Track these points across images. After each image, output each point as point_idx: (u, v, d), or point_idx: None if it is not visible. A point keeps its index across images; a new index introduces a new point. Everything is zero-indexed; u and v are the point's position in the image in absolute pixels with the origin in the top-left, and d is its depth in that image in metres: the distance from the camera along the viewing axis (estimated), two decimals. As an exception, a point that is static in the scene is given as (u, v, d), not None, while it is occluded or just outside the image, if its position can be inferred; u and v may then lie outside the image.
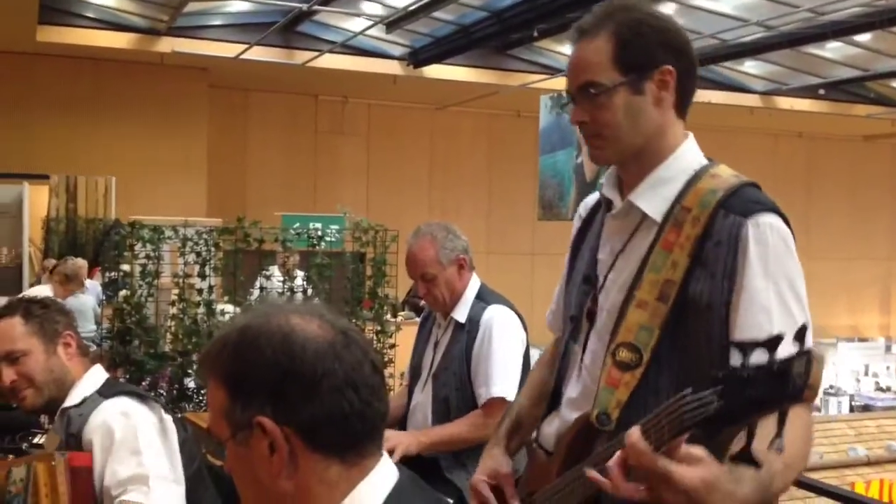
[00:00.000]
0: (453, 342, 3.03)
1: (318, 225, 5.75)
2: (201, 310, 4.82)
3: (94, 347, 6.26)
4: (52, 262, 7.19)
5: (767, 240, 1.47)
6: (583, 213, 1.85)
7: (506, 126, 14.55)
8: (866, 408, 13.60)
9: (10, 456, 3.86)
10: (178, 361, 4.81)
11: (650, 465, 1.22)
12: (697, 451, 1.23)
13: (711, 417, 1.15)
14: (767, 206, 1.52)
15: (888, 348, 15.63)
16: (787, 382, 1.08)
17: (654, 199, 1.58)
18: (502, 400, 2.88)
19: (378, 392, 1.14)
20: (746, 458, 1.16)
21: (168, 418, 2.18)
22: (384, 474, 1.14)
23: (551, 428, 1.75)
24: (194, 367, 4.70)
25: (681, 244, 1.51)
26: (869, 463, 10.21)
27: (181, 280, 4.83)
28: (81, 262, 8.05)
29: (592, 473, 1.33)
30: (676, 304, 1.50)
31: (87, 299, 7.60)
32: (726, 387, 1.13)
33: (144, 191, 11.00)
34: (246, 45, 10.94)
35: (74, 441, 2.09)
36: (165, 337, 5.01)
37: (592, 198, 1.84)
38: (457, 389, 2.97)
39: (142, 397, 2.17)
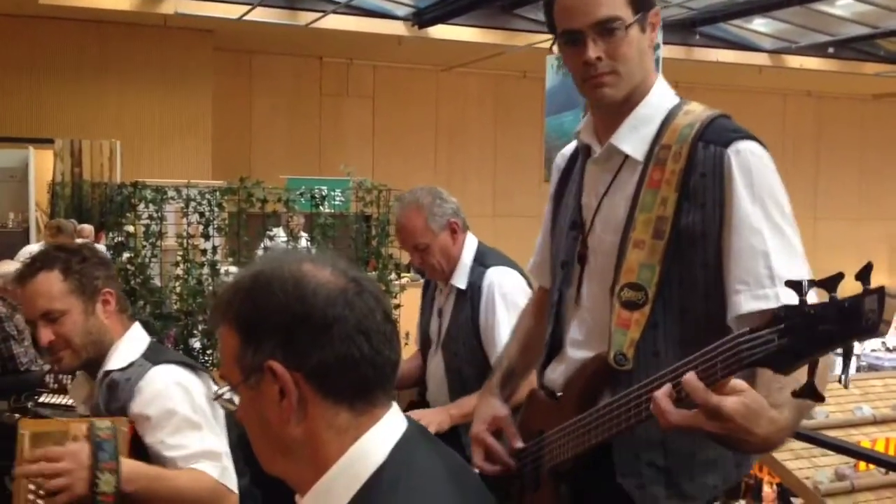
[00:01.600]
0: (458, 310, 2.96)
1: (324, 187, 5.72)
2: (205, 270, 4.82)
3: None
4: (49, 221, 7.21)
5: (751, 164, 1.54)
6: (561, 164, 1.90)
7: (512, 87, 14.43)
8: (872, 368, 13.59)
9: (17, 415, 3.89)
10: (183, 322, 4.83)
11: (703, 401, 1.28)
12: (739, 381, 1.30)
13: (773, 354, 1.20)
14: (743, 133, 1.58)
15: (896, 308, 15.54)
16: (860, 318, 1.12)
17: (634, 139, 1.64)
18: None
19: (390, 341, 1.14)
20: (811, 392, 1.20)
21: (215, 388, 2.14)
22: (393, 423, 1.14)
23: (556, 372, 1.78)
24: (199, 327, 4.71)
25: (667, 180, 1.57)
26: (875, 422, 10.20)
27: (185, 241, 4.84)
28: (88, 228, 8.06)
29: (657, 401, 1.37)
30: (672, 238, 1.56)
31: (94, 263, 7.61)
32: (790, 324, 1.18)
33: (149, 154, 10.98)
34: (249, 6, 10.84)
35: (119, 408, 2.04)
36: (170, 298, 5.02)
37: (569, 147, 1.89)
38: (469, 361, 2.89)
39: (191, 367, 2.12)
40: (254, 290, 1.12)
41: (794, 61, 13.40)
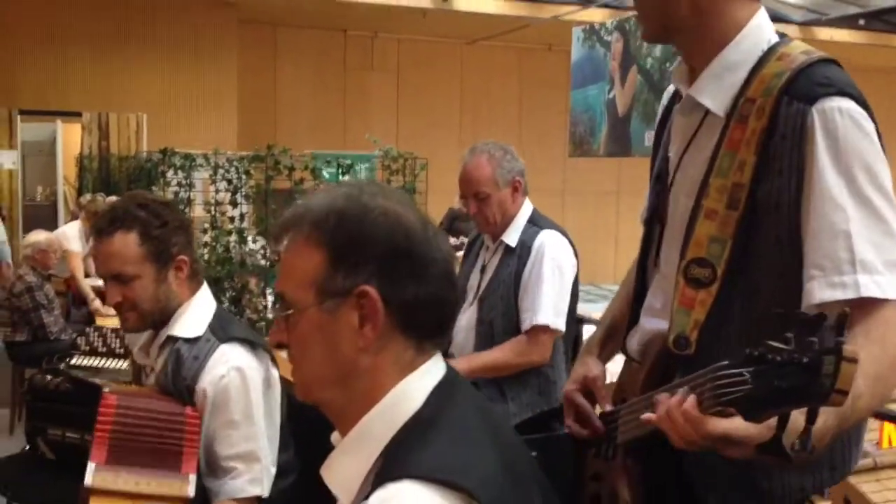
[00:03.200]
0: (502, 266, 2.97)
1: (348, 161, 5.72)
2: (233, 238, 4.85)
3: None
4: (87, 197, 7.27)
5: (837, 127, 1.30)
6: (665, 102, 1.69)
7: (537, 60, 14.33)
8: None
9: (49, 376, 3.94)
10: (211, 289, 4.84)
11: (705, 433, 1.15)
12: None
13: (742, 399, 1.06)
14: (836, 86, 1.32)
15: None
16: (816, 379, 0.98)
17: (716, 91, 1.41)
18: (546, 328, 2.84)
19: (455, 286, 1.18)
20: (775, 448, 1.07)
21: (274, 373, 2.14)
22: (435, 368, 1.15)
23: (633, 341, 1.65)
24: (228, 294, 4.73)
25: (747, 141, 1.35)
26: (902, 397, 10.09)
27: (213, 208, 4.86)
28: (111, 200, 8.11)
29: (647, 416, 1.27)
30: (747, 209, 1.36)
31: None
32: (757, 370, 1.04)
33: (176, 127, 11.01)
34: (274, -21, 10.84)
35: (186, 387, 2.04)
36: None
37: (671, 88, 1.68)
38: (503, 314, 2.92)
39: (253, 345, 2.10)
40: (354, 215, 1.11)
41: (825, 34, 13.21)
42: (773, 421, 1.08)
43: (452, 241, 8.41)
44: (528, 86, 14.55)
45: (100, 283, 6.32)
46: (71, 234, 6.66)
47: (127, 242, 2.07)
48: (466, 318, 3.04)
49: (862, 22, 12.88)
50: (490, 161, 2.94)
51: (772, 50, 1.38)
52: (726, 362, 1.11)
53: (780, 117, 1.32)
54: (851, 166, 1.29)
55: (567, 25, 9.85)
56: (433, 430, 1.07)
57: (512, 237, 2.99)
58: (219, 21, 11.88)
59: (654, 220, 1.58)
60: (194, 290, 2.20)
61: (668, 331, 1.44)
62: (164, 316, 2.15)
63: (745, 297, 1.38)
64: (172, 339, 2.14)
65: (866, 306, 1.26)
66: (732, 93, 1.39)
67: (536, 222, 3.01)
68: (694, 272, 1.40)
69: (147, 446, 1.96)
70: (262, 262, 4.75)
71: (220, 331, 2.14)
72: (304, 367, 1.15)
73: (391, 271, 1.09)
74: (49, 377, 4.41)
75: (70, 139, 10.99)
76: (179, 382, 2.08)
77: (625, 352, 1.69)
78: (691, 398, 1.17)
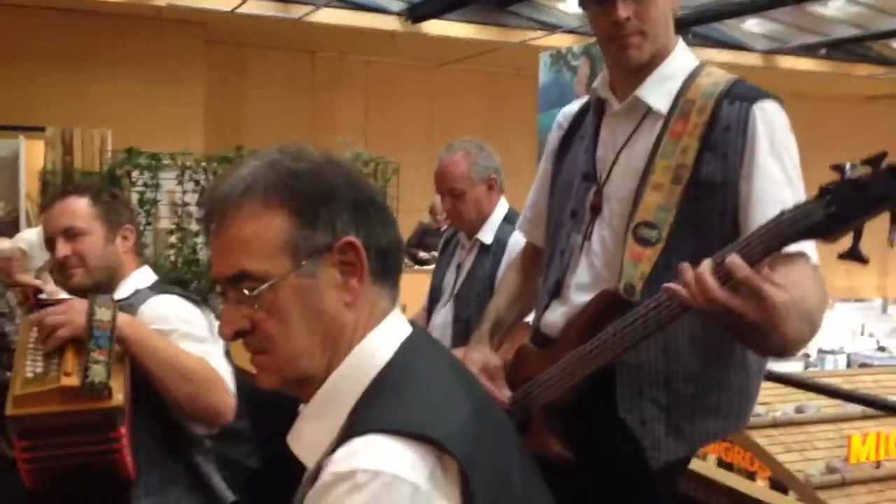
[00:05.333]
0: (477, 264, 2.97)
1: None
2: (200, 239, 4.80)
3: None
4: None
5: (774, 121, 1.62)
6: (563, 123, 1.97)
7: (505, 84, 14.45)
8: (864, 366, 13.64)
9: (9, 373, 3.85)
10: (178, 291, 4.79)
11: (748, 279, 1.32)
12: (780, 277, 1.36)
13: (820, 222, 1.30)
14: (768, 94, 1.67)
15: (884, 309, 15.68)
16: None
17: (659, 93, 1.71)
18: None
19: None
20: (857, 255, 1.33)
21: (217, 324, 2.14)
22: (399, 323, 1.13)
23: (557, 314, 1.81)
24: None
25: (689, 132, 1.64)
26: (865, 417, 10.25)
27: (179, 209, 4.82)
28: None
29: (672, 287, 1.40)
30: (690, 184, 1.63)
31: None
32: (839, 195, 1.29)
33: (140, 144, 10.89)
34: (242, -1, 10.83)
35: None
36: (164, 266, 4.99)
37: (572, 107, 1.97)
38: (478, 312, 2.91)
39: (194, 301, 2.16)
40: (308, 170, 1.07)
41: (787, 62, 13.47)
42: (788, 298, 1.33)
43: (423, 255, 8.39)
44: (497, 109, 14.64)
45: (56, 292, 6.25)
46: (27, 237, 6.57)
47: (78, 202, 2.16)
48: (442, 316, 3.02)
49: (823, 51, 13.16)
50: (466, 157, 2.95)
51: (699, 67, 1.74)
52: (786, 208, 1.36)
53: (721, 114, 1.63)
54: (783, 154, 1.62)
55: (534, 50, 9.96)
56: (402, 384, 1.04)
57: (487, 235, 2.99)
58: (187, 40, 11.84)
59: (582, 211, 1.81)
60: (138, 265, 2.28)
61: (616, 282, 1.66)
62: (109, 279, 2.22)
63: (690, 258, 1.55)
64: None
65: (794, 259, 1.52)
66: (672, 95, 1.70)
67: (512, 221, 3.00)
68: (642, 232, 1.64)
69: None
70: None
71: (158, 287, 2.19)
72: (285, 344, 1.07)
73: (364, 219, 1.07)
74: (9, 373, 4.32)
75: (33, 155, 10.85)
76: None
77: (537, 331, 1.87)
78: (707, 262, 1.38)
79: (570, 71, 9.12)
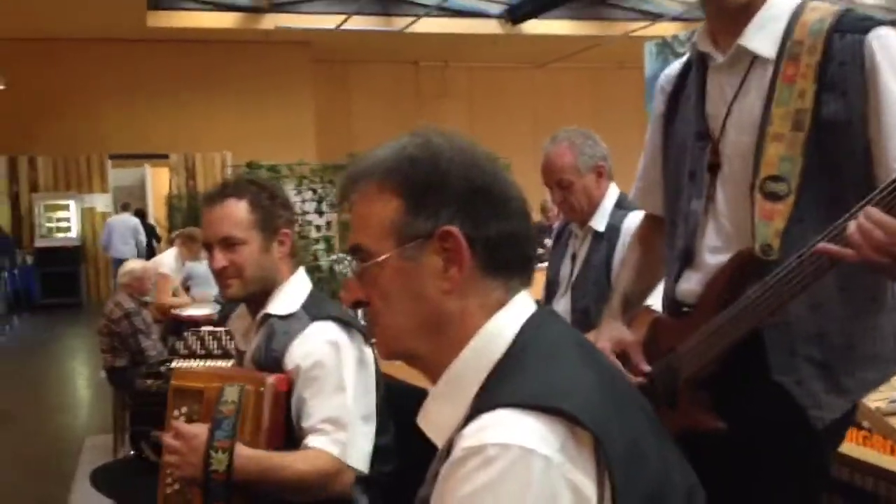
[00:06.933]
0: (592, 251, 2.90)
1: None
2: (321, 246, 4.91)
3: (219, 307, 6.51)
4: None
5: (891, 46, 1.52)
6: (666, 86, 1.89)
7: (609, 79, 14.30)
8: None
9: (150, 380, 4.04)
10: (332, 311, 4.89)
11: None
12: None
13: None
14: (880, 20, 1.57)
15: None
16: None
17: (763, 38, 1.62)
18: (647, 308, 2.79)
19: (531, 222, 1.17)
20: None
21: (368, 350, 2.12)
22: (524, 303, 1.12)
23: (692, 281, 1.75)
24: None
25: (803, 74, 1.56)
26: None
27: (299, 217, 4.95)
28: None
29: (826, 246, 1.36)
30: (812, 129, 1.54)
31: (212, 264, 7.87)
32: None
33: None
34: (345, 15, 11.09)
35: (275, 359, 2.06)
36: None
37: (673, 68, 1.89)
38: (597, 300, 2.84)
39: (346, 324, 2.10)
40: (428, 156, 1.08)
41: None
42: None
43: (540, 251, 8.31)
44: (602, 104, 14.50)
45: (188, 307, 6.52)
46: (166, 261, 6.86)
47: (238, 208, 2.10)
48: (561, 308, 2.98)
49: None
50: (571, 148, 2.88)
51: (801, 5, 1.64)
52: None
53: (834, 49, 1.54)
54: None
55: (638, 42, 9.82)
56: (527, 359, 1.04)
57: (600, 222, 2.91)
58: (294, 60, 12.21)
59: (701, 172, 1.73)
60: (293, 268, 2.21)
61: (752, 242, 1.58)
62: (264, 287, 2.16)
63: (824, 206, 1.53)
64: (267, 318, 2.16)
65: None
66: (777, 38, 1.61)
67: (624, 205, 2.92)
68: (770, 187, 1.57)
69: (240, 374, 2.05)
70: (350, 269, 4.79)
71: (313, 309, 2.14)
72: (388, 320, 1.11)
73: (472, 210, 1.06)
74: (150, 381, 4.53)
75: (158, 180, 11.38)
76: (270, 355, 2.09)
77: (673, 300, 1.81)
78: (871, 211, 1.32)
79: (678, 59, 8.95)
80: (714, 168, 1.70)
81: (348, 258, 5.25)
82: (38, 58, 11.62)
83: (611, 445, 0.95)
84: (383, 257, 1.07)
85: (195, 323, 6.15)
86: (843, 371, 1.58)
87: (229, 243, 2.09)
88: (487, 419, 0.95)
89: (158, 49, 11.77)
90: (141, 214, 11.59)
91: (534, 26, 11.87)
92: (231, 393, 1.93)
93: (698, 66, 1.76)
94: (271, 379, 1.96)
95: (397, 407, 2.15)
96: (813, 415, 1.57)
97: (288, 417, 2.00)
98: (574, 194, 2.85)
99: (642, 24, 11.84)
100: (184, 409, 2.03)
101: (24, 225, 12.17)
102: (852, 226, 1.33)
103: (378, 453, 2.09)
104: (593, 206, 2.89)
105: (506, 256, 1.08)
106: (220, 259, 2.10)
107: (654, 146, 1.92)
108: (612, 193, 2.93)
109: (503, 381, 1.02)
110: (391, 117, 13.74)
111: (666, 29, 11.20)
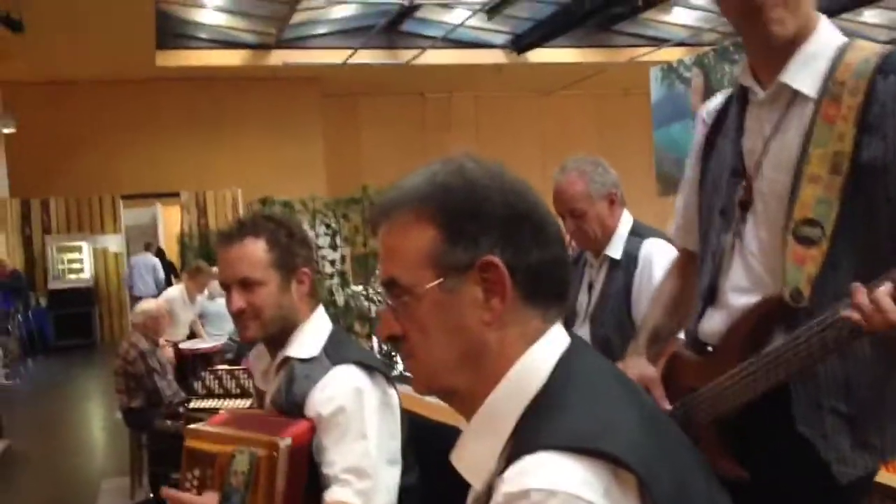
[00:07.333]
0: (610, 280, 2.87)
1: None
2: (335, 280, 4.91)
3: (231, 345, 6.50)
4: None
5: None
6: (707, 118, 1.86)
7: (615, 105, 14.34)
8: None
9: (169, 421, 4.00)
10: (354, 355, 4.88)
11: None
12: None
13: None
14: None
15: None
16: None
17: (805, 75, 1.56)
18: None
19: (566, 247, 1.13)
20: None
21: (392, 393, 2.07)
22: (558, 336, 1.08)
23: (714, 321, 1.70)
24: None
25: (843, 116, 1.50)
26: None
27: (314, 252, 4.96)
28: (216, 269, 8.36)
29: (850, 315, 1.31)
30: (851, 173, 1.48)
31: (224, 303, 7.88)
32: None
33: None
34: (352, 50, 11.18)
35: (296, 404, 2.02)
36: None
37: (715, 101, 1.85)
38: (616, 329, 2.80)
39: (369, 367, 2.05)
40: (462, 184, 1.04)
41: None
42: None
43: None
44: (608, 131, 14.54)
45: (197, 343, 6.53)
46: (172, 296, 6.92)
47: (255, 248, 2.05)
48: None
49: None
50: (581, 176, 2.84)
51: (846, 44, 1.59)
52: None
53: (877, 91, 1.48)
54: None
55: (643, 68, 9.85)
56: (566, 397, 1.00)
57: (616, 250, 2.87)
58: (303, 95, 12.30)
59: (732, 209, 1.68)
60: (312, 307, 2.16)
61: (780, 287, 1.52)
62: (284, 328, 2.12)
63: (858, 254, 1.48)
64: (288, 360, 2.14)
65: None
66: (820, 76, 1.55)
67: (638, 232, 2.89)
68: (803, 231, 1.51)
69: (256, 423, 1.99)
70: (365, 303, 4.78)
71: (335, 353, 2.09)
72: (425, 355, 1.06)
73: (513, 237, 1.02)
74: (169, 422, 4.50)
75: (170, 219, 11.43)
76: (291, 399, 2.06)
77: (694, 339, 1.76)
78: (887, 287, 1.28)
79: (684, 83, 8.94)
80: (745, 205, 1.65)
81: (363, 293, 5.28)
82: (48, 100, 11.73)
83: (658, 487, 0.91)
84: (421, 290, 1.03)
85: (203, 357, 6.18)
86: (872, 426, 1.52)
87: (247, 284, 2.04)
88: (529, 462, 0.92)
89: (167, 88, 11.88)
90: (161, 253, 11.67)
91: (538, 55, 11.94)
92: (241, 463, 1.88)
93: (739, 101, 1.72)
94: (287, 439, 1.90)
95: (421, 444, 2.13)
96: (837, 470, 1.51)
97: (311, 463, 1.96)
98: (587, 223, 2.81)
99: (647, 49, 11.90)
100: (196, 472, 1.97)
101: (38, 267, 12.22)
102: (862, 294, 1.31)
103: (403, 494, 2.06)
104: (607, 235, 2.85)
105: (545, 284, 1.05)
106: (238, 301, 2.04)
107: (692, 181, 1.87)
108: (626, 220, 2.90)
109: (543, 420, 0.99)
110: (400, 149, 13.83)
111: (671, 54, 11.24)
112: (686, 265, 1.94)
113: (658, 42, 11.84)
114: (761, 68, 1.65)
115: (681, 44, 11.71)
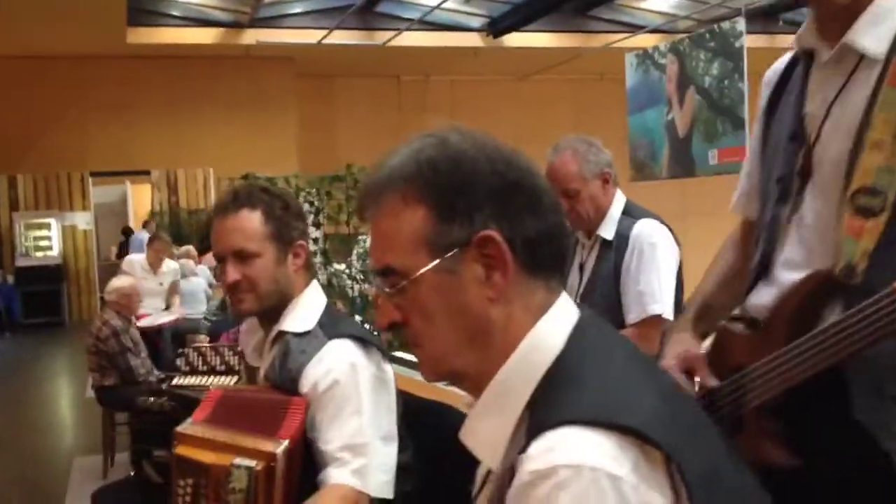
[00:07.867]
0: (601, 261, 2.85)
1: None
2: (318, 259, 4.87)
3: (205, 324, 6.45)
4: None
5: None
6: (772, 78, 1.75)
7: (590, 90, 14.37)
8: None
9: (151, 398, 3.95)
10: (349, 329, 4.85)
11: None
12: None
13: None
14: None
15: None
16: None
17: (873, 35, 1.45)
18: (659, 318, 2.69)
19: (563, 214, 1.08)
20: None
21: (388, 368, 2.05)
22: (567, 308, 1.05)
23: (763, 296, 1.60)
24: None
25: None
26: None
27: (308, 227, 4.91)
28: (193, 250, 8.30)
29: None
30: None
31: (199, 282, 7.80)
32: None
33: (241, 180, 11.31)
34: (327, 30, 11.08)
35: (290, 378, 1.99)
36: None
37: (781, 62, 1.73)
38: (607, 311, 2.76)
39: (364, 342, 2.02)
40: (448, 157, 0.99)
41: None
42: None
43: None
44: (583, 115, 14.56)
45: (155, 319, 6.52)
46: (131, 260, 7.01)
47: (252, 219, 2.01)
48: None
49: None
50: (575, 156, 2.83)
51: None
52: None
53: None
54: None
55: (618, 53, 9.86)
56: (582, 370, 0.97)
57: (608, 230, 2.85)
58: (277, 75, 12.18)
59: (790, 177, 1.58)
60: (307, 281, 2.13)
61: (833, 262, 1.41)
62: (279, 302, 2.08)
63: None
64: (282, 334, 2.10)
65: None
66: (890, 35, 1.43)
67: (632, 213, 2.87)
68: (862, 201, 1.40)
69: (247, 418, 1.92)
70: (347, 281, 4.74)
71: (330, 327, 2.06)
72: (431, 340, 1.03)
73: (507, 209, 0.98)
74: (152, 398, 4.45)
75: (140, 198, 11.31)
76: (285, 374, 2.03)
77: (742, 313, 1.65)
78: None
79: (658, 70, 8.96)
80: (805, 174, 1.55)
81: (345, 272, 5.24)
82: (16, 76, 11.51)
83: (686, 463, 0.88)
84: (418, 273, 0.99)
85: (178, 335, 6.19)
86: None
87: (242, 256, 2.00)
88: (552, 438, 0.89)
89: (139, 65, 11.71)
90: (128, 231, 11.54)
91: (515, 39, 11.92)
92: (239, 480, 1.84)
93: (804, 62, 1.61)
94: (284, 442, 1.87)
95: (414, 423, 2.11)
96: None
97: (306, 442, 1.93)
98: (581, 203, 2.80)
99: (623, 35, 11.92)
100: (190, 481, 1.93)
101: (5, 244, 12.03)
102: None
103: (398, 472, 2.04)
104: (600, 214, 2.84)
105: (545, 254, 1.01)
106: (233, 273, 1.99)
107: (756, 146, 1.77)
108: (619, 200, 2.88)
109: (560, 393, 0.96)
110: (375, 131, 13.74)
111: (646, 40, 11.26)
112: (746, 237, 1.84)
113: (634, 28, 11.87)
114: (827, 27, 1.54)
115: (656, 30, 11.74)
